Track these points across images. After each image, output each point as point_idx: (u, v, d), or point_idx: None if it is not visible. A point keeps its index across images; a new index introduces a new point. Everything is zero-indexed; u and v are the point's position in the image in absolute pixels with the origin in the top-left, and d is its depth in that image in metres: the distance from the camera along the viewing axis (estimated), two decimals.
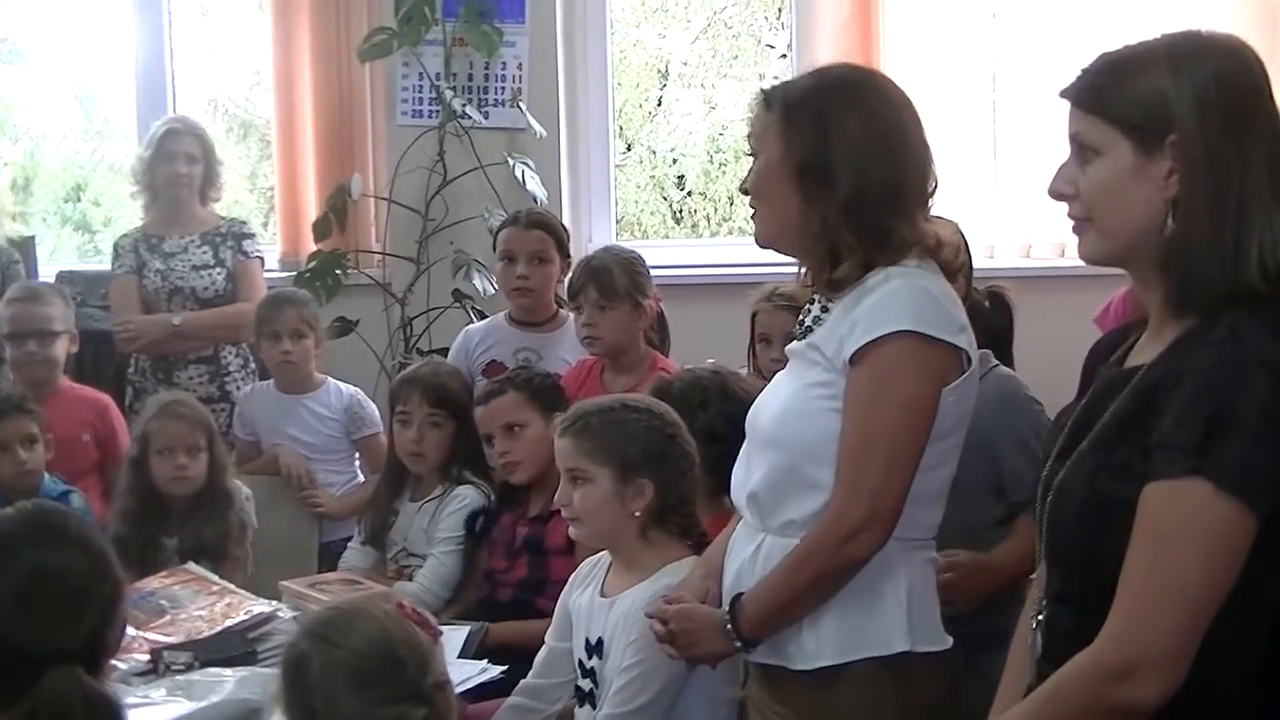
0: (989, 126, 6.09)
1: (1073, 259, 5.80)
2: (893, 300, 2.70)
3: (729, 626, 2.80)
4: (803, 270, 2.91)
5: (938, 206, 2.91)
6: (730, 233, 7.64)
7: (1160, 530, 2.05)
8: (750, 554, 2.83)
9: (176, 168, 5.65)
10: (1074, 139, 2.23)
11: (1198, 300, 2.12)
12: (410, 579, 4.34)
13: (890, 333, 2.67)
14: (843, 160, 2.74)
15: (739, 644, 2.81)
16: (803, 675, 2.77)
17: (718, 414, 3.67)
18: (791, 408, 2.79)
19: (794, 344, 2.90)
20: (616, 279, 4.55)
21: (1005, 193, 6.08)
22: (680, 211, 7.89)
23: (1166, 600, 2.04)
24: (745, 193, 2.88)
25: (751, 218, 2.90)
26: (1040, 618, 2.29)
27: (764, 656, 2.83)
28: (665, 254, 6.14)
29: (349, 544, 4.66)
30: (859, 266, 2.75)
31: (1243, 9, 5.69)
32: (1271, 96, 2.17)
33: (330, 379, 5.25)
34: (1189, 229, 2.11)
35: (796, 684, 2.78)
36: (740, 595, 2.80)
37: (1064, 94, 2.24)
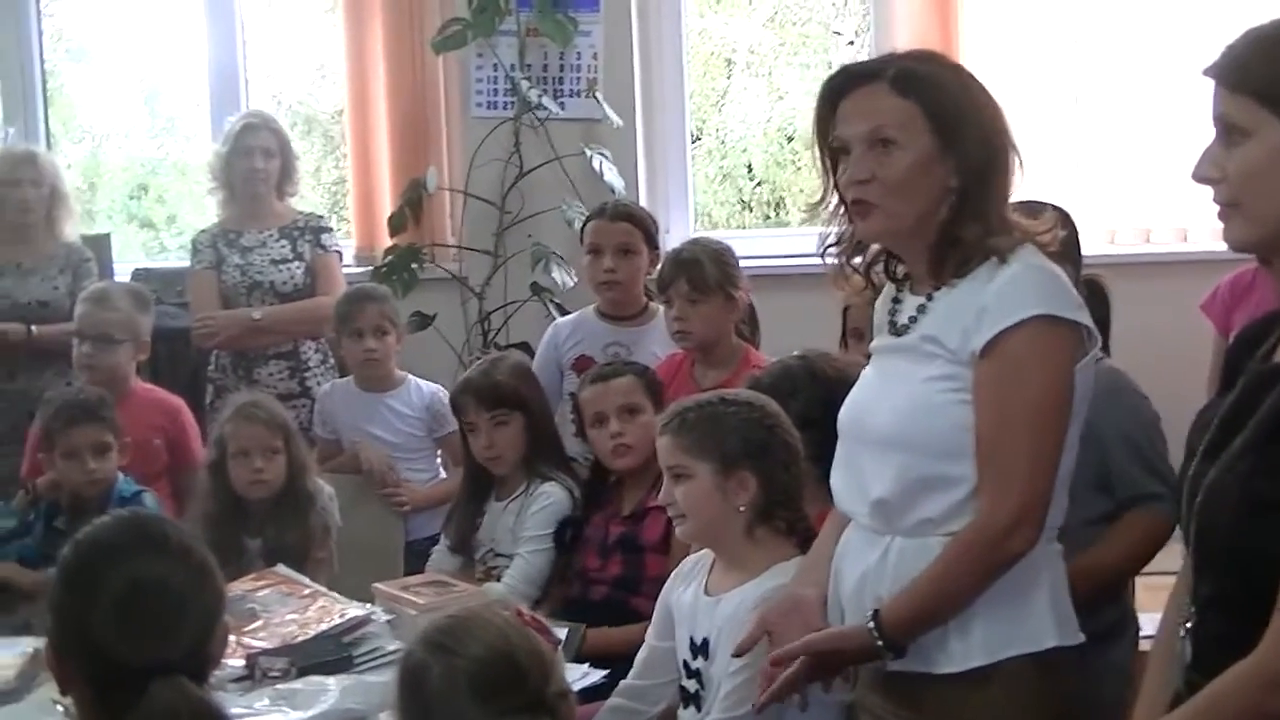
0: (1071, 111, 6.00)
1: (1160, 245, 5.86)
2: (1019, 285, 2.64)
3: (876, 639, 2.69)
4: (864, 266, 2.86)
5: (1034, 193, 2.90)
6: (803, 222, 7.57)
7: None
8: (877, 559, 2.75)
9: (254, 163, 5.64)
10: (1219, 120, 2.12)
11: None
12: (498, 579, 4.28)
13: (1023, 319, 2.61)
14: (987, 154, 2.70)
15: (888, 654, 2.71)
16: (947, 678, 2.70)
17: (809, 399, 3.57)
18: (917, 404, 2.71)
19: (888, 340, 2.83)
20: (707, 271, 4.48)
21: (1088, 180, 5.99)
22: (750, 202, 7.81)
23: None
24: (861, 182, 2.72)
25: (856, 209, 2.76)
26: (1188, 624, 2.20)
27: (902, 664, 2.74)
28: (746, 244, 6.06)
29: (435, 547, 4.60)
30: (967, 262, 2.69)
31: None
32: None
33: (411, 376, 5.21)
34: None
35: (939, 688, 2.71)
36: (878, 611, 2.70)
37: (1207, 72, 2.14)
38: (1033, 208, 2.91)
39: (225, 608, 2.39)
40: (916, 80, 2.72)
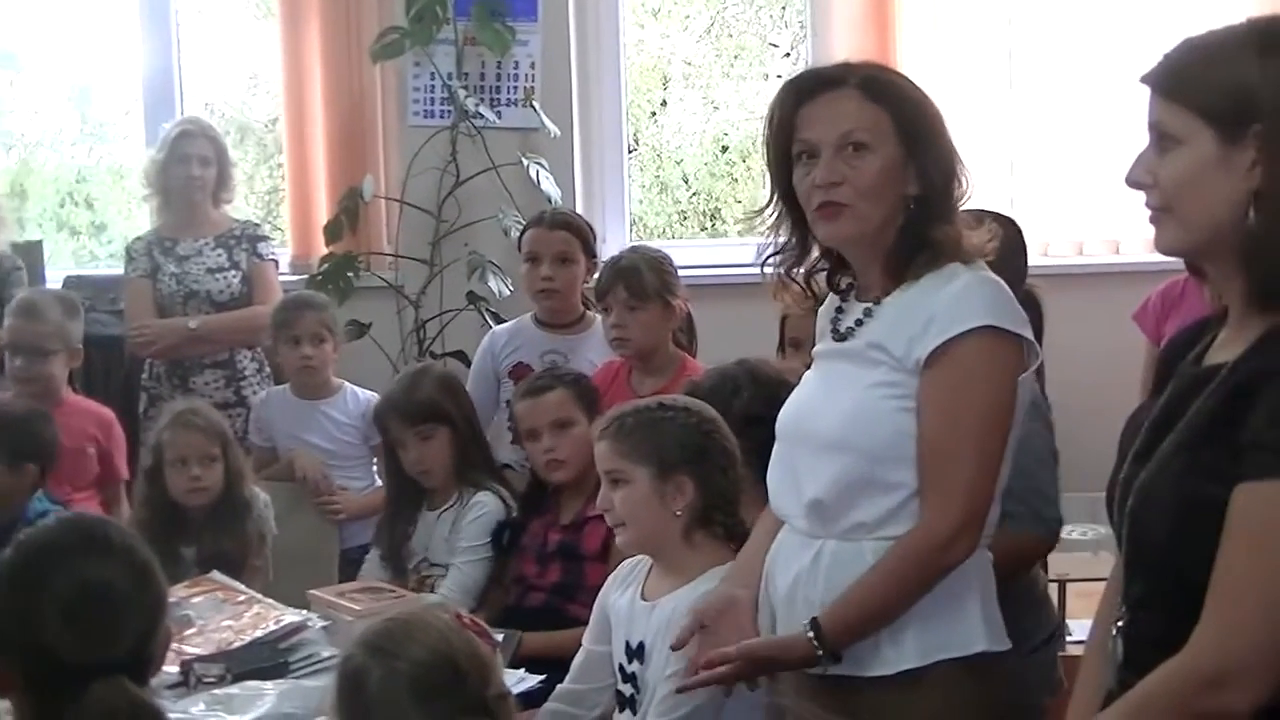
0: (1005, 124, 6.05)
1: (1093, 256, 5.91)
2: (967, 296, 2.67)
3: (815, 646, 2.71)
4: (803, 274, 2.88)
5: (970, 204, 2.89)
6: (741, 232, 7.60)
7: (1254, 533, 1.99)
8: (809, 561, 2.77)
9: (190, 170, 5.61)
10: (1154, 127, 2.15)
11: (1279, 295, 2.06)
12: (432, 589, 4.27)
13: (970, 329, 2.64)
14: (948, 163, 2.75)
15: (826, 660, 2.73)
16: (877, 681, 2.72)
17: (752, 398, 3.60)
18: (859, 410, 2.73)
19: (832, 345, 2.85)
20: (646, 279, 4.50)
21: (1022, 192, 6.04)
22: (686, 212, 7.84)
23: (1259, 606, 1.98)
24: (833, 185, 2.73)
25: (825, 214, 2.76)
26: (1120, 624, 2.23)
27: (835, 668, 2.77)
28: (683, 254, 6.08)
29: (367, 556, 4.58)
30: (936, 262, 2.72)
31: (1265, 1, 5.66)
32: None
33: (348, 384, 5.20)
34: (1271, 222, 2.05)
35: (869, 691, 2.73)
36: (816, 618, 2.72)
37: (1144, 80, 2.17)
38: (975, 216, 2.94)
39: (166, 610, 2.39)
40: (885, 87, 2.76)
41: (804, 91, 2.79)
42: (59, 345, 5.09)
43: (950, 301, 2.67)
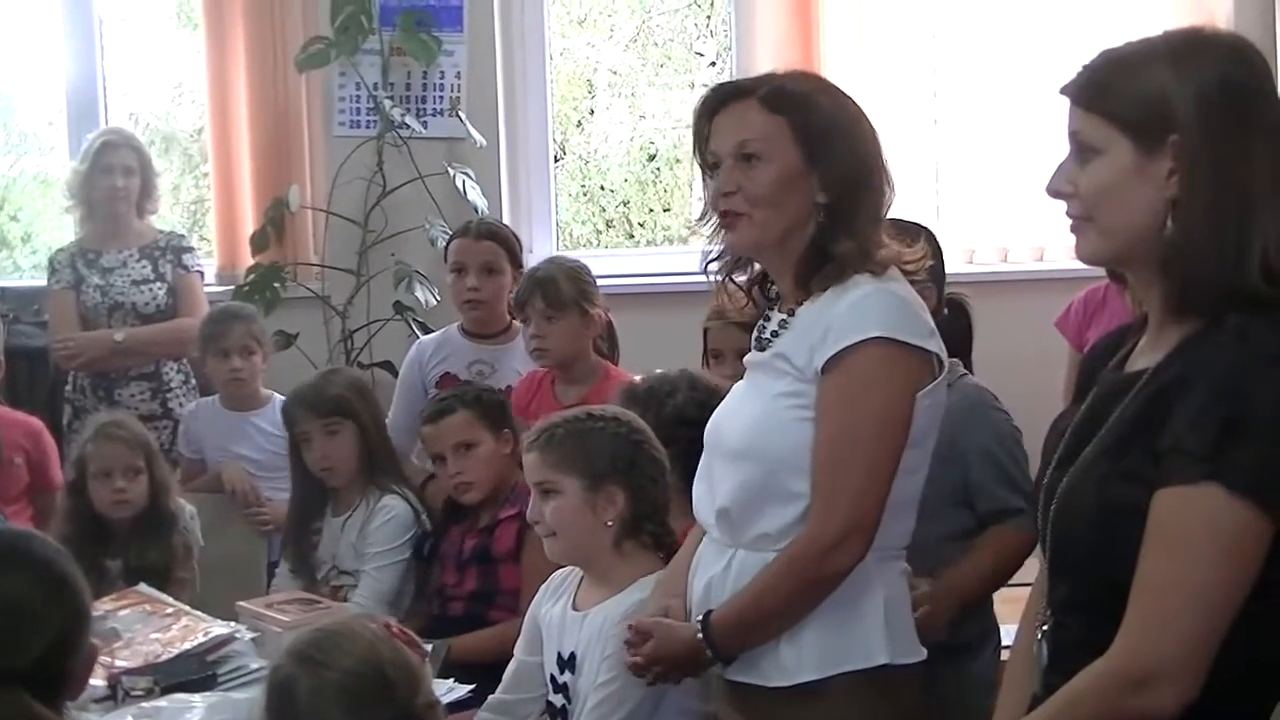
0: (930, 133, 6.10)
1: (1016, 264, 5.98)
2: (864, 307, 2.68)
3: (704, 645, 2.75)
4: (748, 282, 2.91)
5: (895, 213, 2.92)
6: (666, 241, 7.63)
7: (1174, 536, 2.02)
8: (721, 569, 2.79)
9: (114, 181, 5.58)
10: (1073, 136, 2.18)
11: (1197, 302, 2.09)
12: (345, 599, 4.25)
13: (863, 339, 2.65)
14: (857, 172, 2.75)
15: (717, 661, 2.77)
16: (780, 692, 2.74)
17: (687, 400, 3.66)
18: (762, 419, 2.76)
19: (754, 355, 2.87)
20: (563, 288, 4.51)
21: (947, 201, 6.10)
22: (612, 221, 7.85)
23: (1183, 607, 2.01)
24: (727, 194, 2.78)
25: (726, 225, 2.81)
26: (1045, 627, 2.25)
27: (739, 674, 2.79)
28: (608, 263, 6.10)
29: (277, 570, 4.57)
30: (840, 274, 2.73)
31: (1180, 10, 5.74)
32: (1275, 94, 2.15)
33: (276, 395, 5.16)
34: (1188, 230, 2.08)
35: (774, 702, 2.75)
36: (709, 613, 2.75)
37: (1064, 91, 2.20)
38: (908, 230, 2.97)
39: (86, 627, 2.37)
40: (786, 97, 2.77)
41: (713, 103, 2.83)
42: None
43: (846, 312, 2.68)
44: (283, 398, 5.13)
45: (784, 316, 2.81)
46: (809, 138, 2.74)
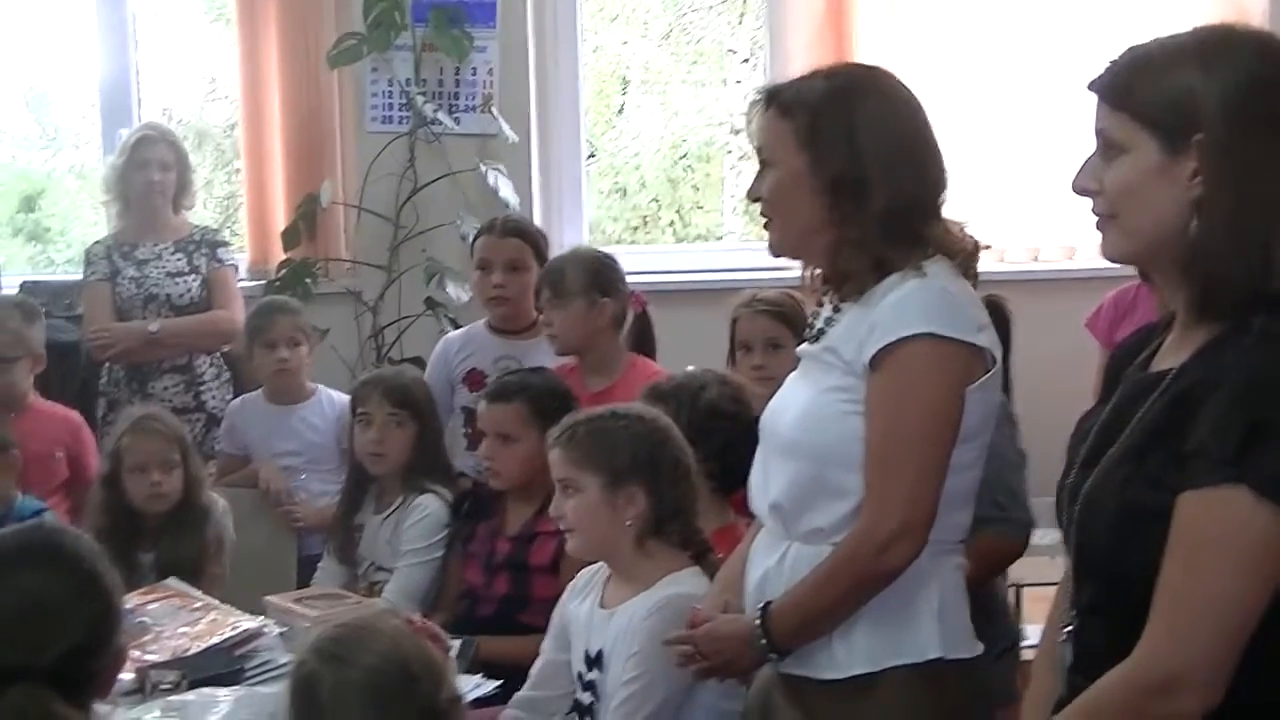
0: (962, 131, 6.07)
1: (1047, 263, 5.95)
2: (909, 302, 2.66)
3: (761, 636, 2.74)
4: (810, 273, 2.87)
5: None
6: (699, 238, 7.63)
7: (1198, 540, 2.00)
8: (775, 562, 2.78)
9: (150, 175, 5.60)
10: (1100, 134, 2.16)
11: (1220, 304, 2.08)
12: (379, 595, 4.28)
13: (908, 335, 2.63)
14: (877, 171, 2.70)
15: (771, 654, 2.76)
16: (832, 685, 2.72)
17: (719, 394, 3.68)
18: (811, 412, 2.74)
19: (806, 346, 2.85)
20: (568, 276, 4.53)
21: (978, 198, 6.07)
22: (645, 218, 7.86)
23: (1206, 612, 1.99)
24: (755, 201, 2.83)
25: (765, 226, 2.84)
26: (1069, 629, 2.24)
27: (790, 667, 2.78)
28: (639, 260, 6.11)
29: (320, 561, 4.59)
30: (892, 270, 2.71)
31: (1214, 6, 5.71)
32: None
33: (321, 387, 5.18)
34: (1212, 232, 2.06)
35: (824, 694, 2.74)
36: (769, 603, 2.74)
37: (1091, 87, 2.18)
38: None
39: (117, 626, 2.38)
40: (795, 102, 2.76)
41: (754, 107, 2.85)
42: (20, 351, 5.08)
43: (892, 307, 2.66)
44: (328, 390, 5.15)
45: (835, 307, 2.80)
46: (808, 141, 2.72)
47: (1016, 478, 3.49)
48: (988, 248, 3.21)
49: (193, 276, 5.59)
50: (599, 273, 4.59)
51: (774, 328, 4.05)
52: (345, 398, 5.06)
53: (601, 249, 5.13)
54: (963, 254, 2.78)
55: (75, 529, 3.38)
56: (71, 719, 2.26)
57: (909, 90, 2.83)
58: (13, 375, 5.06)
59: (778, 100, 2.78)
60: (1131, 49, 2.17)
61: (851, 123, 2.72)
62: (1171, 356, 2.16)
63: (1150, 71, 2.13)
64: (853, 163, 2.70)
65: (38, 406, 5.13)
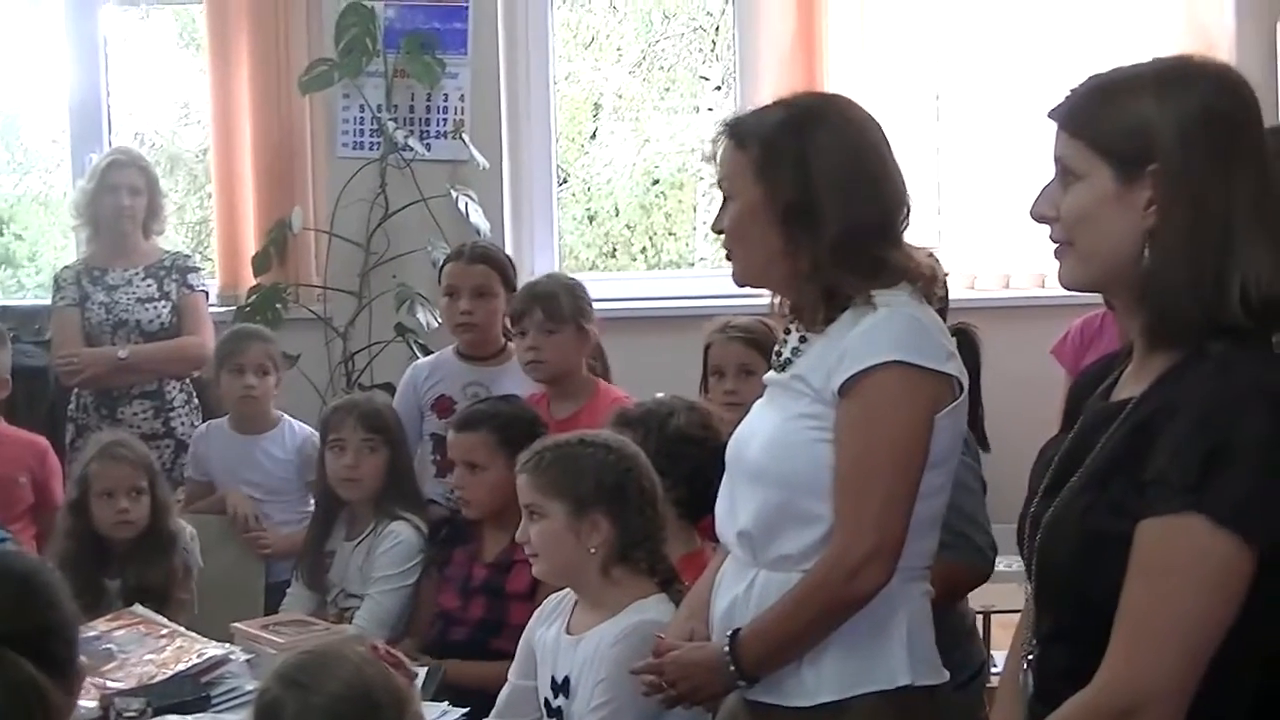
0: (933, 159, 6.11)
1: (1019, 290, 5.98)
2: (879, 330, 2.67)
3: (730, 663, 2.74)
4: (778, 300, 2.88)
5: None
6: (671, 265, 7.64)
7: (1157, 567, 2.01)
8: (743, 590, 2.78)
9: (120, 200, 5.59)
10: (1058, 161, 2.18)
11: (1175, 333, 2.09)
12: (350, 621, 4.27)
13: (878, 363, 2.64)
14: (829, 200, 2.71)
15: (740, 681, 2.76)
16: (801, 712, 2.72)
17: (687, 421, 3.70)
18: (779, 440, 2.75)
19: (773, 374, 2.86)
20: (563, 302, 4.53)
21: (949, 225, 6.11)
22: (616, 245, 7.87)
23: (1166, 638, 2.00)
24: (719, 233, 2.84)
25: (727, 257, 2.86)
26: (1030, 657, 2.25)
27: (759, 694, 2.78)
28: (611, 287, 6.12)
29: (289, 589, 4.59)
30: (850, 299, 2.71)
31: (1181, 37, 5.76)
32: (1260, 125, 2.14)
33: (286, 416, 5.17)
34: (1165, 262, 2.07)
35: None
36: (738, 631, 2.74)
37: (1051, 115, 2.19)
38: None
39: (63, 644, 2.35)
40: (751, 133, 2.78)
41: (716, 139, 2.86)
42: None
43: (860, 336, 2.67)
44: (292, 419, 5.14)
45: (801, 336, 2.80)
46: (760, 171, 2.74)
47: (977, 504, 3.49)
48: (946, 275, 3.20)
49: (163, 302, 5.57)
50: (584, 300, 4.62)
51: (747, 354, 4.06)
52: (307, 429, 5.10)
53: (573, 275, 5.15)
54: (922, 280, 2.77)
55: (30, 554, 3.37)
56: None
57: (867, 115, 2.84)
58: None
59: (736, 132, 2.80)
60: (1091, 78, 2.18)
61: (803, 152, 2.72)
62: (1131, 385, 2.17)
63: (1108, 100, 2.14)
64: (804, 191, 2.71)
65: (3, 431, 5.10)
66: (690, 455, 3.57)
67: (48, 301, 5.79)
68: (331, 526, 4.54)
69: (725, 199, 2.82)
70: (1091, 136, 2.12)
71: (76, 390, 5.59)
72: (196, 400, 5.58)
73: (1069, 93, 2.19)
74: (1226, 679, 2.02)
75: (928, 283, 2.78)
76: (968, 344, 3.78)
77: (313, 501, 5.02)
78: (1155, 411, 2.06)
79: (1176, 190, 2.07)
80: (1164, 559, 2.00)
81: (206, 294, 5.77)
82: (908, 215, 2.80)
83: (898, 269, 2.74)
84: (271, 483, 5.07)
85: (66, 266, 5.75)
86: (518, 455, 3.77)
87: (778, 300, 2.89)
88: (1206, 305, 2.05)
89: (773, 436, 2.77)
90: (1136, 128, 2.09)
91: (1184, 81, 2.11)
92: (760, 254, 2.78)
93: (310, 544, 4.57)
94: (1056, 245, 2.20)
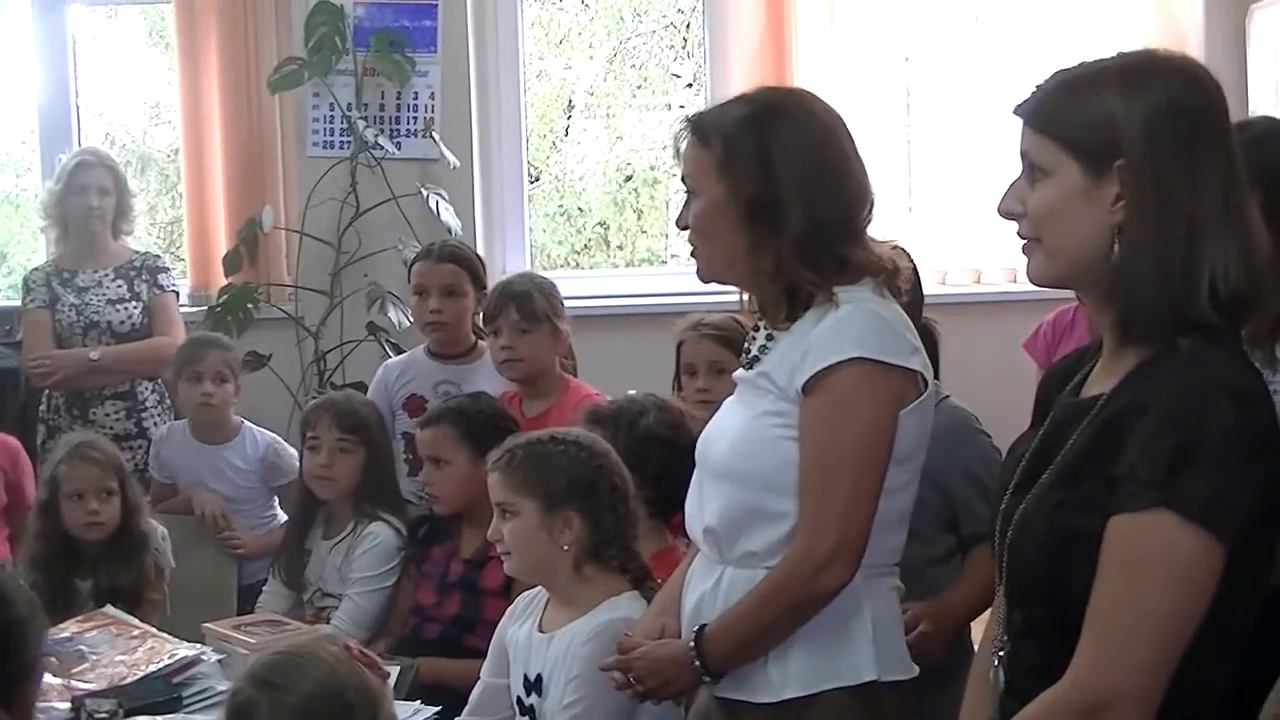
0: (903, 155, 6.11)
1: (990, 285, 5.98)
2: (842, 327, 2.67)
3: (695, 659, 2.75)
4: (745, 297, 2.88)
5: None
6: (644, 262, 7.64)
7: (1127, 563, 2.01)
8: (711, 586, 2.79)
9: (89, 200, 5.57)
10: (1024, 157, 2.18)
11: (1144, 329, 2.09)
12: (327, 620, 4.27)
13: (841, 360, 2.64)
14: (792, 195, 2.71)
15: (706, 677, 2.76)
16: (767, 708, 2.73)
17: (657, 420, 3.70)
18: (745, 437, 2.75)
19: (741, 372, 2.86)
20: (537, 302, 4.54)
21: (920, 220, 6.12)
22: (589, 242, 7.87)
23: (1136, 634, 2.01)
24: (684, 229, 2.84)
25: (692, 254, 2.86)
26: (1001, 654, 2.25)
27: (726, 690, 2.78)
28: (584, 284, 6.12)
29: (265, 586, 4.59)
30: (814, 295, 2.72)
31: (1151, 31, 5.77)
32: (1227, 118, 2.14)
33: (247, 424, 5.16)
34: (1133, 257, 2.07)
35: (760, 718, 2.74)
36: (704, 627, 2.75)
37: (1017, 111, 2.20)
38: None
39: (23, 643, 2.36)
40: (713, 130, 2.78)
41: (679, 136, 2.86)
42: None
43: (824, 333, 2.68)
44: (254, 427, 5.13)
45: (768, 334, 2.81)
46: (723, 167, 2.74)
47: None
48: (912, 267, 3.20)
49: (134, 303, 5.56)
50: (557, 299, 4.63)
51: (719, 352, 4.06)
52: (269, 436, 5.12)
53: (545, 273, 5.15)
54: (885, 274, 2.77)
55: None
56: None
57: (830, 109, 2.83)
58: None
59: (698, 128, 2.80)
60: (1057, 73, 2.19)
61: (765, 147, 2.73)
62: (1101, 381, 2.18)
63: (1073, 96, 2.14)
64: (766, 187, 2.71)
65: None
66: (660, 454, 3.57)
67: (18, 303, 5.76)
68: (310, 524, 4.54)
69: (689, 195, 2.82)
70: (1057, 132, 2.13)
71: (48, 392, 5.56)
72: (169, 401, 5.55)
73: (1034, 89, 2.19)
74: (1197, 674, 2.03)
75: (890, 276, 2.77)
76: (927, 339, 3.80)
77: (278, 506, 5.03)
78: (1125, 408, 2.06)
79: (1143, 185, 2.07)
80: (1134, 555, 2.01)
81: (177, 294, 5.73)
82: (871, 209, 2.80)
83: (861, 265, 2.74)
84: (234, 491, 5.07)
85: (36, 268, 5.73)
86: (482, 449, 3.79)
87: (746, 298, 2.89)
88: (1175, 301, 2.06)
89: (739, 434, 2.77)
90: (1102, 123, 2.09)
91: (1149, 76, 2.12)
92: (724, 250, 2.78)
93: (289, 541, 4.57)
94: (1024, 242, 2.20)
